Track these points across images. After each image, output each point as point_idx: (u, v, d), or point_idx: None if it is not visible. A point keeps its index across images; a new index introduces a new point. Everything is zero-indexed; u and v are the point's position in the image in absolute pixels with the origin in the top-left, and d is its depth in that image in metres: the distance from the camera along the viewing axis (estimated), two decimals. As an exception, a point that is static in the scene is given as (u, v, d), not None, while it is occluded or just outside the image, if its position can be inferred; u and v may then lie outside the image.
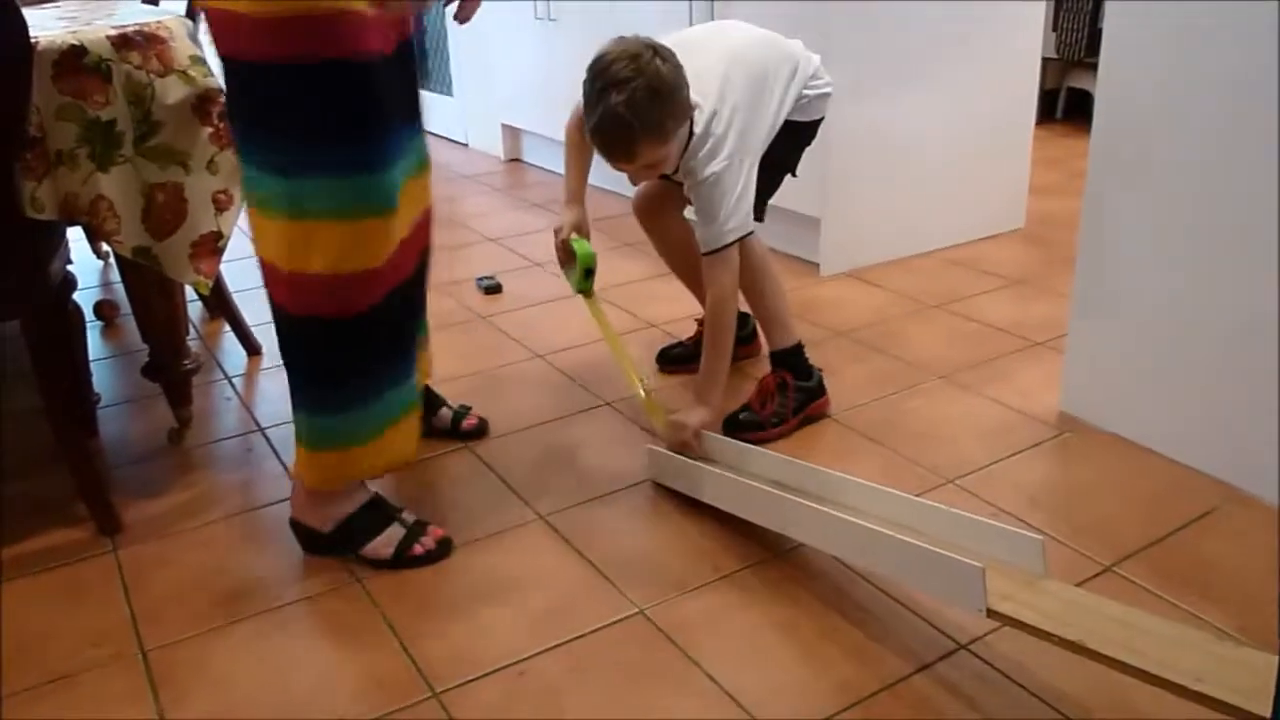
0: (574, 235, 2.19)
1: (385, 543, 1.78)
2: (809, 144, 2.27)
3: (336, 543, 1.79)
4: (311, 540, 1.81)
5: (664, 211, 2.36)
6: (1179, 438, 2.03)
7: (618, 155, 1.89)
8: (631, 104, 1.79)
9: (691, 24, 3.20)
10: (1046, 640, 1.37)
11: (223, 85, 1.54)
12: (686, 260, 2.38)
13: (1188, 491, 1.94)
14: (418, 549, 1.78)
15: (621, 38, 1.88)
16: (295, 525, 1.82)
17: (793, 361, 2.25)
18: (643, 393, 2.16)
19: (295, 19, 1.39)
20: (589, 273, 2.20)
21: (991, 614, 1.40)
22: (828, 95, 2.21)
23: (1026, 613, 1.40)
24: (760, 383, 2.24)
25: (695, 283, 2.45)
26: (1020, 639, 1.48)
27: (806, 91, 2.16)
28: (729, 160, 1.98)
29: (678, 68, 1.86)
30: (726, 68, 2.02)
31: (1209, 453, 1.98)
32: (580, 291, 2.25)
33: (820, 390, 2.28)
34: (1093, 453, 2.10)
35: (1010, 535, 1.57)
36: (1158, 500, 1.92)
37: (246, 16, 1.40)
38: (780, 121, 2.12)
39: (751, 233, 2.07)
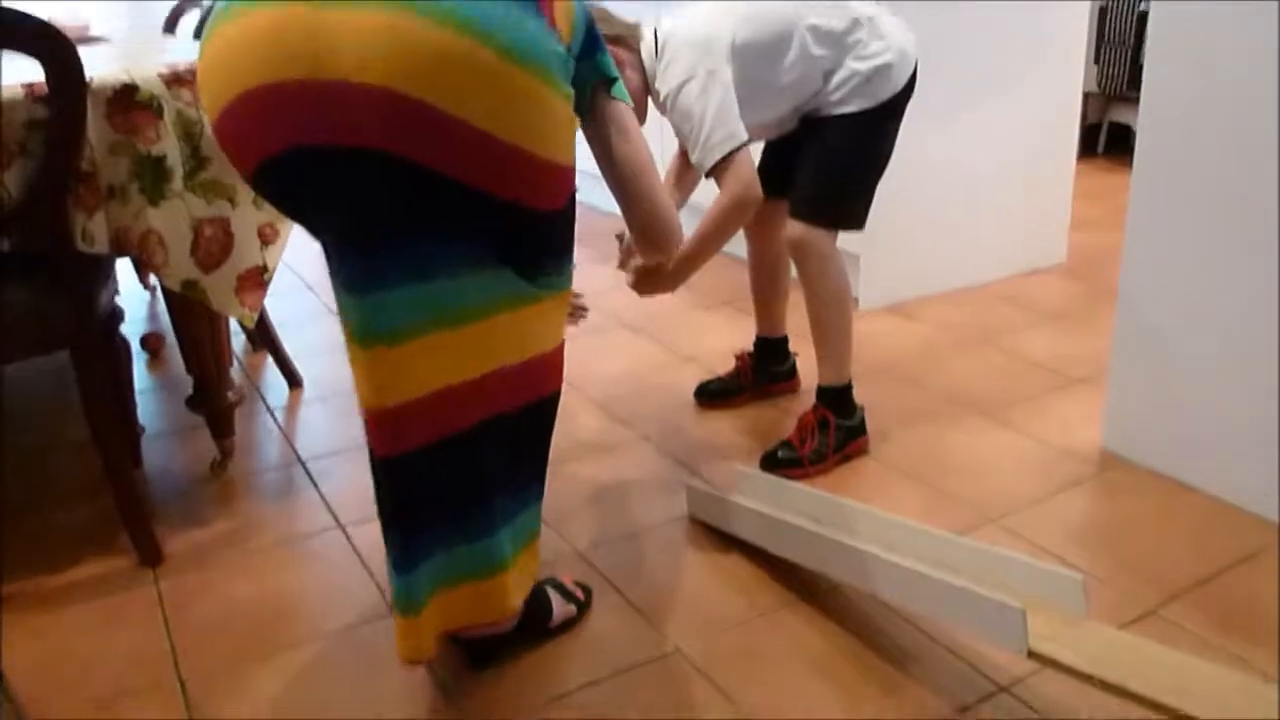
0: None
1: (560, 604, 1.70)
2: (894, 126, 2.13)
3: (526, 632, 1.64)
4: (497, 645, 1.63)
5: (770, 221, 2.30)
6: (1224, 475, 2.00)
7: None
8: None
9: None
10: (1088, 683, 1.34)
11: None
12: (769, 277, 2.47)
13: (1234, 530, 1.91)
14: (580, 594, 1.76)
15: None
16: (472, 644, 1.62)
17: (838, 400, 2.23)
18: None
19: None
20: None
21: (1033, 655, 1.38)
22: (889, 66, 2.04)
23: (1068, 654, 1.38)
24: (801, 419, 2.23)
25: (763, 302, 2.51)
26: (1062, 681, 1.46)
27: (856, 65, 2.02)
28: (685, 76, 1.96)
29: None
30: (721, 6, 2.04)
31: (1255, 491, 1.95)
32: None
33: (861, 429, 2.26)
34: (1135, 490, 2.07)
35: (1051, 574, 1.55)
36: (1203, 539, 1.89)
37: (561, 166, 1.35)
38: (798, 50, 2.01)
39: (746, 144, 1.97)
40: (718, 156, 1.95)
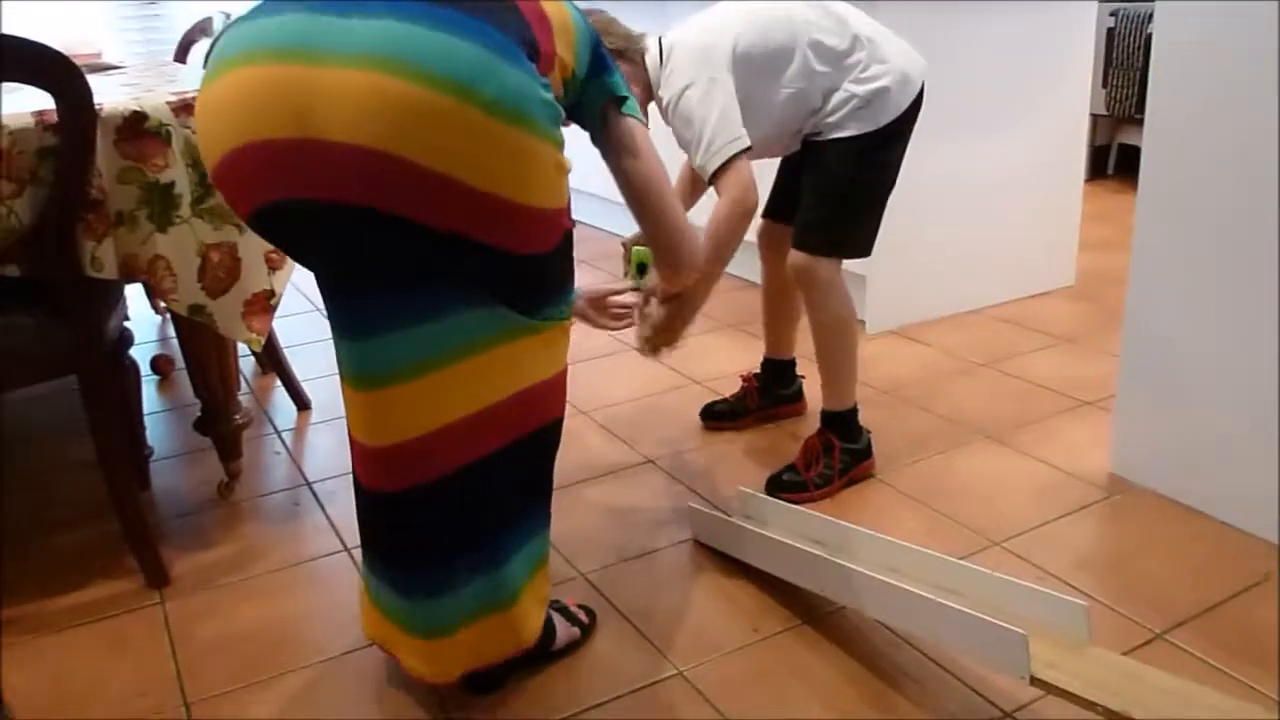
0: (636, 244, 2.21)
1: (564, 627, 1.70)
2: (896, 151, 2.11)
3: (529, 656, 1.62)
4: (501, 670, 1.60)
5: (783, 244, 2.26)
6: (1232, 501, 1.99)
7: None
8: None
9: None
10: (1091, 710, 1.34)
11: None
12: (781, 301, 2.47)
13: (1241, 556, 1.90)
14: (584, 617, 1.76)
15: None
16: (485, 676, 1.59)
17: (843, 424, 2.23)
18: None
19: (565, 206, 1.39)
20: (641, 267, 2.21)
21: (1035, 681, 1.38)
22: (887, 90, 2.02)
23: (1072, 681, 1.38)
24: (806, 443, 2.23)
25: (772, 324, 2.52)
26: (1065, 708, 1.45)
27: (854, 88, 2.01)
28: (687, 82, 1.96)
29: None
30: (725, 15, 2.05)
31: (1263, 516, 1.94)
32: (635, 288, 2.26)
33: (867, 452, 2.26)
34: (1142, 515, 2.06)
35: (1054, 600, 1.54)
36: (1210, 565, 1.88)
37: (550, 211, 1.34)
38: (799, 64, 2.01)
39: (749, 149, 1.96)
40: (720, 161, 1.94)
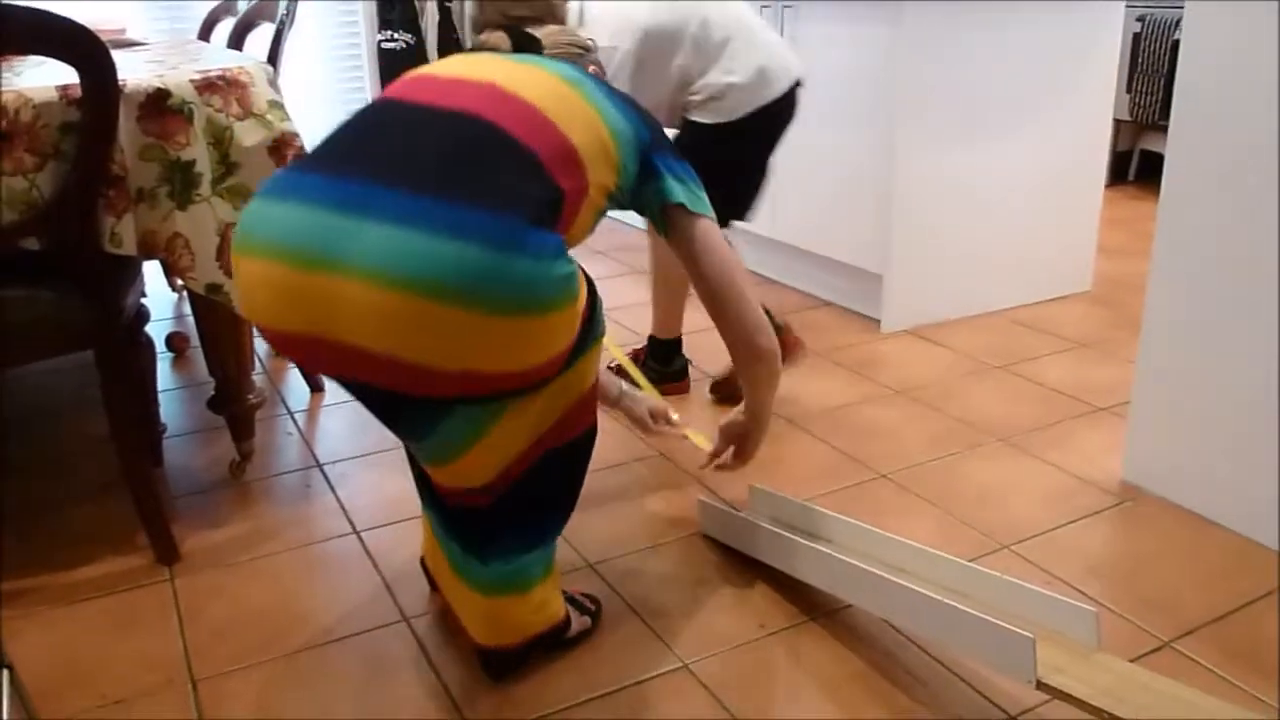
0: None
1: (575, 616, 1.70)
2: (747, 148, 2.23)
3: (551, 641, 1.66)
4: (515, 656, 1.62)
5: None
6: (1245, 510, 1.98)
7: None
8: None
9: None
10: (1098, 716, 1.33)
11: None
12: (664, 277, 2.56)
13: (1253, 566, 1.89)
14: (590, 605, 1.77)
15: None
16: (491, 655, 1.61)
17: (657, 347, 2.59)
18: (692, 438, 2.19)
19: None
20: None
21: (1042, 686, 1.37)
22: (734, 86, 2.13)
23: (1078, 687, 1.37)
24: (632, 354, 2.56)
25: (661, 297, 2.61)
26: (1071, 714, 1.45)
27: (715, 76, 2.13)
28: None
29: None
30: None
31: (1275, 527, 1.93)
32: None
33: (677, 376, 2.63)
34: (1155, 523, 2.05)
35: (1063, 605, 1.54)
36: (1221, 574, 1.87)
37: (565, 352, 1.37)
38: (691, 44, 2.13)
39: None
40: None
